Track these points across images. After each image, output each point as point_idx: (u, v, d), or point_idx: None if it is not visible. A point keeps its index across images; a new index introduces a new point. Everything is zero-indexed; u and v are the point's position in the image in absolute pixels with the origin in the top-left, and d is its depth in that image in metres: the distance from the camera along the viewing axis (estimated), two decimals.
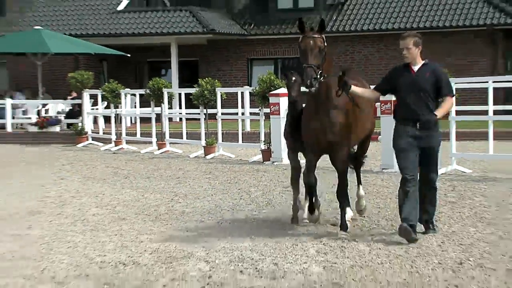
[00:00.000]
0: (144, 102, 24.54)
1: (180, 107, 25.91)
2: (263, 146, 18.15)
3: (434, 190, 9.02)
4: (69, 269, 7.84)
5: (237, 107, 21.62)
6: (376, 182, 13.62)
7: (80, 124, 25.98)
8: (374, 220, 9.99)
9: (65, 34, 32.35)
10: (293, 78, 9.37)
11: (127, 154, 21.40)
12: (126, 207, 11.83)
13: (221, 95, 19.95)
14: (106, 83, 24.53)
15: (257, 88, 18.37)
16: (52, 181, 15.38)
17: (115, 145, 23.18)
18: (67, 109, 29.27)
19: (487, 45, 30.98)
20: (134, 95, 26.10)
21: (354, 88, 8.77)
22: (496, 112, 17.79)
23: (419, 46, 8.67)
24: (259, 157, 18.23)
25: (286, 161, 15.56)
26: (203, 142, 20.02)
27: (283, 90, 16.58)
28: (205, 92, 19.68)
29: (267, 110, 18.05)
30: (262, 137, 18.45)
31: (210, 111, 20.38)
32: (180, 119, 24.09)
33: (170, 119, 23.85)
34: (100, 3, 35.85)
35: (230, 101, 22.93)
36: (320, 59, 8.70)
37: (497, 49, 30.94)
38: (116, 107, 24.01)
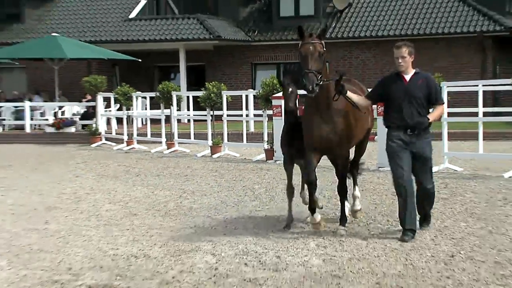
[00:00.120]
0: (154, 104, 24.53)
1: (188, 109, 25.84)
2: (266, 146, 18.15)
3: (431, 194, 8.86)
4: (84, 261, 7.85)
5: (241, 109, 21.63)
6: (373, 180, 13.62)
7: (94, 125, 26.01)
8: (371, 216, 9.98)
9: (80, 40, 32.36)
10: (290, 90, 9.07)
11: (138, 153, 21.41)
12: (137, 203, 11.83)
13: (226, 98, 19.96)
14: (119, 87, 24.54)
15: (260, 91, 18.37)
16: (68, 178, 15.40)
17: (127, 145, 23.19)
18: (82, 111, 29.30)
19: (477, 51, 30.96)
20: (145, 97, 26.10)
21: (349, 94, 8.58)
22: (485, 114, 17.72)
23: (412, 55, 8.51)
24: (262, 156, 18.23)
25: None
26: (209, 142, 20.03)
27: None
28: (212, 95, 19.69)
29: (270, 112, 18.05)
30: (265, 137, 18.45)
31: (217, 112, 20.38)
32: (188, 120, 24.09)
33: (178, 120, 23.86)
34: (113, 12, 35.88)
35: (235, 103, 22.90)
36: (320, 64, 8.48)
37: (486, 54, 30.92)
38: (128, 109, 24.02)
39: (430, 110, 8.58)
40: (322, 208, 9.95)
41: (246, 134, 20.58)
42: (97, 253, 8.23)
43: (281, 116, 17.05)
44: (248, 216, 10.37)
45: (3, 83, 36.47)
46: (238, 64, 34.13)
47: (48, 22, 36.29)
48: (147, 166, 17.52)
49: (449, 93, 15.75)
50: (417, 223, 8.69)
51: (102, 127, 25.98)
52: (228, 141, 20.01)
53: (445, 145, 14.89)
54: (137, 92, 24.31)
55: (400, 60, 8.45)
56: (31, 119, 28.78)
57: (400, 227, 8.54)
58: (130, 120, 24.18)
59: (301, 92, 9.00)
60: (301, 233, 9.02)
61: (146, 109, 25.81)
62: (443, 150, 14.85)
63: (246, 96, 22.65)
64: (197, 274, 7.16)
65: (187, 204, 11.59)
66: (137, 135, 23.45)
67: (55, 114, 29.10)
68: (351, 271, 7.12)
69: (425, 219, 9.02)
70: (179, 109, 23.75)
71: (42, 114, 29.58)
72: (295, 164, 9.56)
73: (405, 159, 8.43)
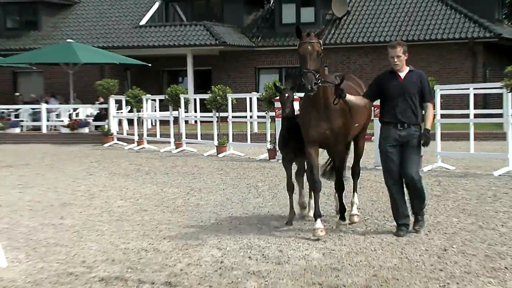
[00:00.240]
0: (163, 107, 24.54)
1: (195, 111, 25.86)
2: (269, 146, 18.14)
3: (420, 189, 8.41)
4: (97, 254, 7.85)
5: (246, 111, 21.60)
6: (370, 177, 13.60)
7: (106, 126, 26.02)
8: (368, 212, 9.97)
9: (93, 46, 32.39)
10: (286, 95, 8.90)
11: (148, 153, 21.42)
12: (147, 200, 11.83)
13: (231, 100, 19.95)
14: (130, 90, 24.54)
15: (263, 94, 18.37)
16: (82, 176, 15.40)
17: (138, 145, 23.20)
18: (95, 113, 29.32)
19: (468, 56, 30.94)
20: (154, 100, 26.12)
21: (348, 97, 8.38)
22: (476, 116, 17.73)
23: (406, 53, 8.34)
24: (265, 155, 18.23)
25: None
26: (215, 142, 20.02)
27: None
28: (218, 97, 19.68)
29: (273, 114, 18.03)
30: (268, 138, 18.43)
31: (222, 114, 20.38)
32: (195, 121, 24.08)
33: (186, 122, 23.83)
34: (124, 19, 35.90)
35: (239, 105, 22.90)
36: (318, 63, 8.19)
37: (477, 59, 30.91)
38: (138, 111, 24.02)
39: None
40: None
41: (250, 135, 20.57)
42: (110, 246, 8.23)
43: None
44: (252, 212, 10.36)
45: (22, 87, 36.55)
46: (242, 68, 34.12)
47: (64, 29, 36.33)
48: (156, 165, 17.52)
49: (442, 96, 15.73)
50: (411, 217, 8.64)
51: (114, 128, 26.00)
52: (233, 141, 20.00)
53: (438, 145, 14.86)
54: (147, 95, 24.33)
55: (395, 59, 8.28)
56: (48, 120, 28.83)
57: (396, 223, 8.52)
58: (140, 121, 24.20)
59: (299, 94, 8.87)
60: (302, 228, 9.00)
61: (155, 111, 25.83)
62: (436, 149, 14.83)
63: (250, 98, 22.63)
64: (204, 267, 7.16)
65: (194, 200, 11.58)
66: (147, 136, 23.47)
67: (70, 116, 29.14)
68: (349, 264, 7.11)
69: (416, 220, 8.54)
70: (186, 111, 23.74)
71: (58, 116, 29.63)
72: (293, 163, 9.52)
73: (395, 157, 8.30)
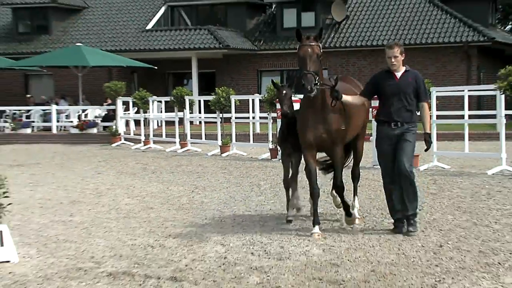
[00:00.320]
0: (169, 108, 24.55)
1: (200, 112, 25.90)
2: (271, 146, 18.13)
3: (411, 182, 8.14)
4: (105, 250, 7.85)
5: (248, 112, 21.60)
6: (368, 176, 13.58)
7: (114, 127, 26.05)
8: (366, 209, 9.95)
9: (101, 49, 32.42)
10: (284, 92, 8.80)
11: (154, 152, 21.42)
12: (154, 197, 11.83)
13: (234, 102, 19.95)
14: (136, 92, 24.56)
15: (265, 96, 18.36)
16: (91, 175, 15.40)
17: (144, 145, 23.21)
18: (103, 114, 29.35)
19: (463, 59, 30.95)
20: (160, 101, 26.12)
21: (344, 97, 8.21)
22: (470, 116, 17.72)
23: (403, 54, 8.25)
24: (267, 155, 18.22)
25: None
26: (219, 142, 20.02)
27: None
28: (221, 99, 19.68)
29: (274, 115, 18.03)
30: (270, 138, 18.42)
31: (226, 115, 20.37)
32: (200, 122, 24.08)
33: (191, 122, 23.87)
34: (131, 23, 35.94)
35: (242, 106, 22.91)
36: (318, 65, 8.08)
37: (471, 62, 30.91)
38: (145, 112, 24.04)
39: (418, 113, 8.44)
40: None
41: (253, 135, 20.56)
42: (117, 243, 8.22)
43: None
44: (254, 210, 10.35)
45: (33, 89, 36.61)
46: (245, 71, 34.14)
47: (73, 33, 36.38)
48: (162, 164, 17.52)
49: (437, 97, 15.72)
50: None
51: (121, 129, 26.02)
52: (236, 141, 20.00)
53: (434, 145, 14.83)
54: (153, 96, 24.33)
55: (392, 59, 8.18)
56: (58, 121, 28.86)
57: (393, 220, 8.51)
58: (147, 122, 24.22)
59: (300, 96, 8.72)
60: (303, 225, 8.99)
61: (161, 112, 25.84)
62: (432, 149, 14.74)
63: (253, 100, 22.63)
64: (208, 263, 7.15)
65: (198, 198, 11.57)
66: (153, 136, 23.48)
67: (79, 117, 29.17)
68: (348, 260, 7.10)
69: (409, 224, 8.18)
70: (191, 112, 23.78)
71: (67, 117, 29.66)
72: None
73: (391, 156, 8.21)
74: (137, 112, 25.66)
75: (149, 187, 13.12)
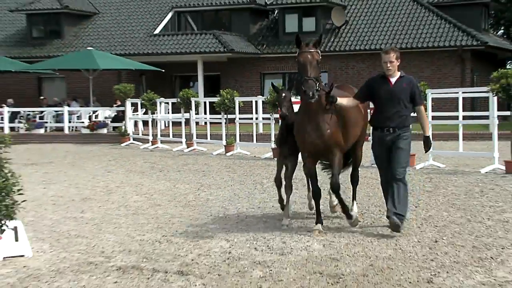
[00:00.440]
0: (176, 109, 24.57)
1: (205, 113, 25.89)
2: (273, 145, 18.12)
3: (403, 188, 7.88)
4: (115, 245, 7.85)
5: (252, 113, 21.59)
6: (367, 175, 13.56)
7: (123, 127, 26.06)
8: (365, 206, 9.94)
9: (111, 53, 32.44)
10: (283, 94, 8.63)
11: (161, 152, 21.43)
12: (161, 195, 11.83)
13: (238, 103, 19.95)
14: (145, 94, 24.57)
15: (268, 98, 18.36)
16: (101, 173, 15.42)
17: (152, 144, 23.21)
18: (113, 115, 29.36)
19: (457, 63, 30.91)
20: (167, 103, 26.13)
21: (339, 101, 8.03)
22: (465, 117, 17.68)
23: (398, 59, 8.04)
24: (270, 154, 18.21)
25: None
26: (224, 142, 20.02)
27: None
28: (226, 100, 19.68)
29: (277, 116, 18.01)
30: (273, 138, 18.42)
31: (230, 116, 20.39)
32: (205, 122, 24.07)
33: (197, 123, 23.87)
34: (140, 28, 35.95)
35: (246, 108, 22.91)
36: (318, 71, 7.92)
37: (465, 66, 30.87)
38: (152, 113, 24.04)
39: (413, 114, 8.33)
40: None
41: (256, 135, 20.56)
42: (126, 238, 8.23)
43: None
44: (257, 207, 10.36)
45: (46, 91, 36.64)
46: (248, 74, 34.14)
47: (84, 38, 36.41)
48: (169, 163, 17.52)
49: (433, 99, 15.70)
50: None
51: (130, 129, 26.05)
52: (240, 141, 19.99)
53: None
54: (161, 98, 24.34)
55: (388, 64, 7.97)
56: (69, 122, 28.89)
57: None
58: (154, 122, 24.23)
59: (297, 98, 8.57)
60: (304, 221, 8.98)
61: (168, 113, 25.88)
62: None
63: (256, 101, 22.61)
64: (213, 257, 7.15)
65: (204, 196, 11.58)
66: (161, 136, 23.48)
67: (90, 118, 29.19)
68: (347, 255, 7.10)
69: (396, 216, 7.80)
70: (197, 113, 23.76)
71: (79, 118, 29.69)
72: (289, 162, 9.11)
73: (386, 159, 8.07)
74: (145, 113, 25.65)
75: (157, 185, 13.13)
